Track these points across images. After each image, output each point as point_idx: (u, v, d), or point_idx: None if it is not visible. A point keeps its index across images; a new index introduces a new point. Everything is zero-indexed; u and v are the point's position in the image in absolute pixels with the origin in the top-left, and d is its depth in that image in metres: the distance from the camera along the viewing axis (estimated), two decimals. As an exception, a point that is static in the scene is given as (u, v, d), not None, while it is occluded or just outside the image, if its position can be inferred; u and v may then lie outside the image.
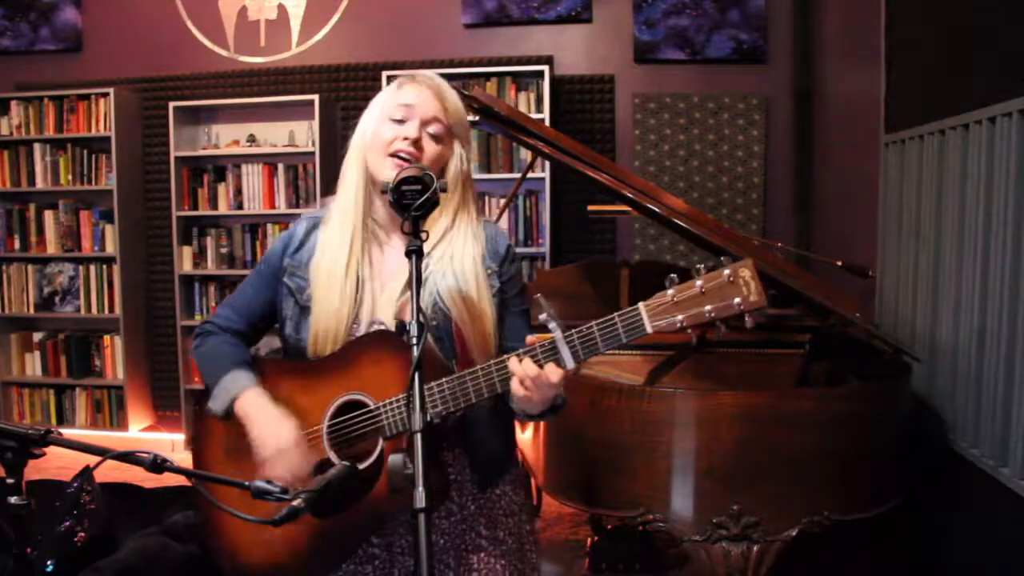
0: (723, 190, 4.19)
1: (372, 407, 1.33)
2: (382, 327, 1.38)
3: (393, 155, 1.37)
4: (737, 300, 1.12)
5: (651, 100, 4.21)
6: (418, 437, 1.07)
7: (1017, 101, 2.20)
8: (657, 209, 2.21)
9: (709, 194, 4.19)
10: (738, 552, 1.95)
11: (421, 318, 1.14)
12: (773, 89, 4.13)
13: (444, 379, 1.27)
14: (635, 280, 2.97)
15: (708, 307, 1.14)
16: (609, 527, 3.03)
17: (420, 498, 1.03)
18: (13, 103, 4.56)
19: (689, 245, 4.07)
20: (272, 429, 1.35)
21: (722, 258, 1.17)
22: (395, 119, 1.39)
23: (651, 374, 2.38)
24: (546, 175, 4.15)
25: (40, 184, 4.58)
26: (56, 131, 4.55)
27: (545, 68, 4.12)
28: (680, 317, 1.15)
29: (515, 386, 1.23)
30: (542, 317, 1.19)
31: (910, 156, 3.07)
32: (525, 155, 4.08)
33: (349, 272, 1.39)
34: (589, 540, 3.08)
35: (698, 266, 1.16)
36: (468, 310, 1.38)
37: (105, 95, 4.46)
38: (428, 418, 1.08)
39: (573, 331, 1.20)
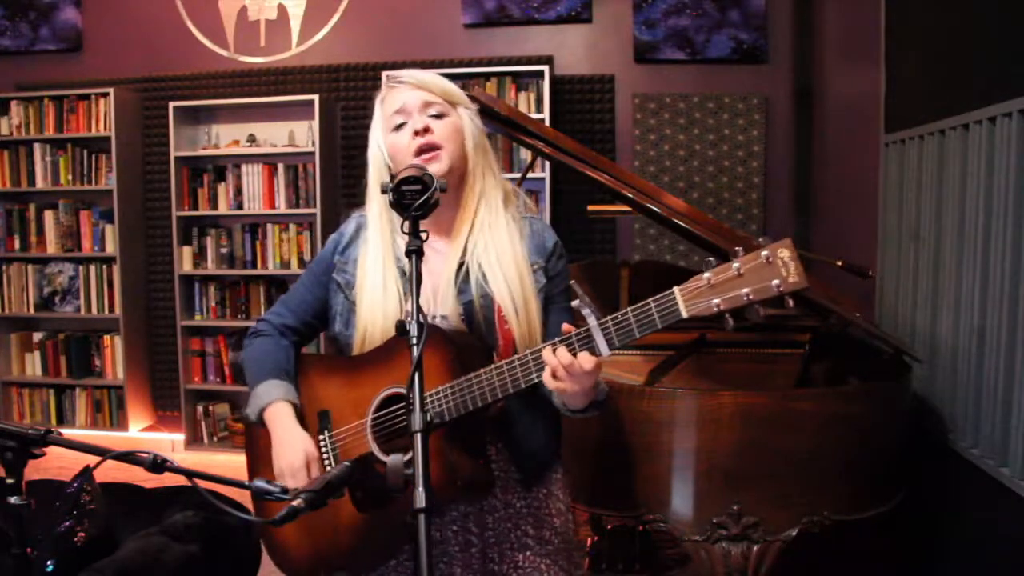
0: (723, 190, 4.18)
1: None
2: (445, 321, 1.41)
3: (416, 154, 1.40)
4: (776, 282, 1.07)
5: (651, 100, 4.21)
6: (418, 437, 1.07)
7: (1017, 101, 2.20)
8: (657, 209, 2.21)
9: (709, 194, 4.19)
10: (738, 552, 1.95)
11: (421, 318, 1.14)
12: (773, 89, 4.13)
13: (482, 370, 1.29)
14: (635, 280, 2.97)
15: (746, 290, 1.09)
16: (609, 527, 3.03)
17: (420, 498, 1.03)
18: (13, 103, 4.56)
19: (689, 245, 4.07)
20: (288, 446, 1.42)
21: (760, 239, 1.11)
22: (396, 126, 1.43)
23: (651, 374, 2.37)
24: (546, 175, 4.15)
25: (40, 184, 4.59)
26: (56, 131, 4.55)
27: (545, 68, 4.12)
28: (716, 300, 1.10)
29: (546, 376, 1.23)
30: (575, 304, 1.20)
31: (910, 156, 3.07)
32: (525, 155, 4.08)
33: (388, 282, 1.42)
34: (589, 540, 3.08)
35: (736, 248, 1.11)
36: (514, 302, 1.39)
37: (105, 95, 4.46)
38: (428, 418, 1.09)
39: (608, 318, 1.19)
